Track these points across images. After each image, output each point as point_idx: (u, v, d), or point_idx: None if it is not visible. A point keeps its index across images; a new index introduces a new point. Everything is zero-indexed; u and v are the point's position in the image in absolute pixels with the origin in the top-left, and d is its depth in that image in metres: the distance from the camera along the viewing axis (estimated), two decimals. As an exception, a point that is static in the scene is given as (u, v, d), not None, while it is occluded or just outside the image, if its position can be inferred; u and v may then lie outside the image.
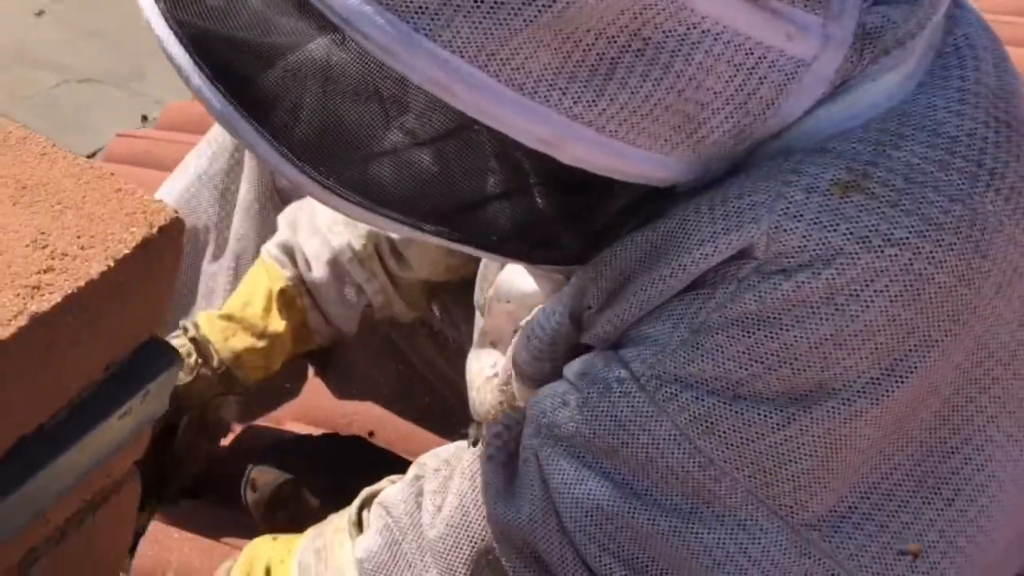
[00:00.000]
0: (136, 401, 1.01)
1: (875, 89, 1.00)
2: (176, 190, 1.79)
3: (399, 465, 1.60)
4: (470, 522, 1.17)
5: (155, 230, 0.97)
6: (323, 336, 1.67)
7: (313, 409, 1.85)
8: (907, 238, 0.95)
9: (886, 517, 1.03)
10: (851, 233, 0.95)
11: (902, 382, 0.98)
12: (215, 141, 1.82)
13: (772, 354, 0.98)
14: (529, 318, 1.25)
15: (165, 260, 0.99)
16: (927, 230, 0.96)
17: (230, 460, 1.73)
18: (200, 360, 1.60)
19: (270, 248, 1.63)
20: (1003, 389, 1.04)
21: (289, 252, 1.62)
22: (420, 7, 0.88)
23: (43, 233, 0.94)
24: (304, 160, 0.97)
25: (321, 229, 1.61)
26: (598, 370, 1.07)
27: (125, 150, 2.48)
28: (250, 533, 1.50)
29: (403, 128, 0.98)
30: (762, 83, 0.95)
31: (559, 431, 1.09)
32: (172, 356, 1.04)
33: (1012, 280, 1.01)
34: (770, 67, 0.94)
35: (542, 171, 1.00)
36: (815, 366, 0.98)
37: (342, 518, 1.30)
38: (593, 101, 0.92)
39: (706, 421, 1.01)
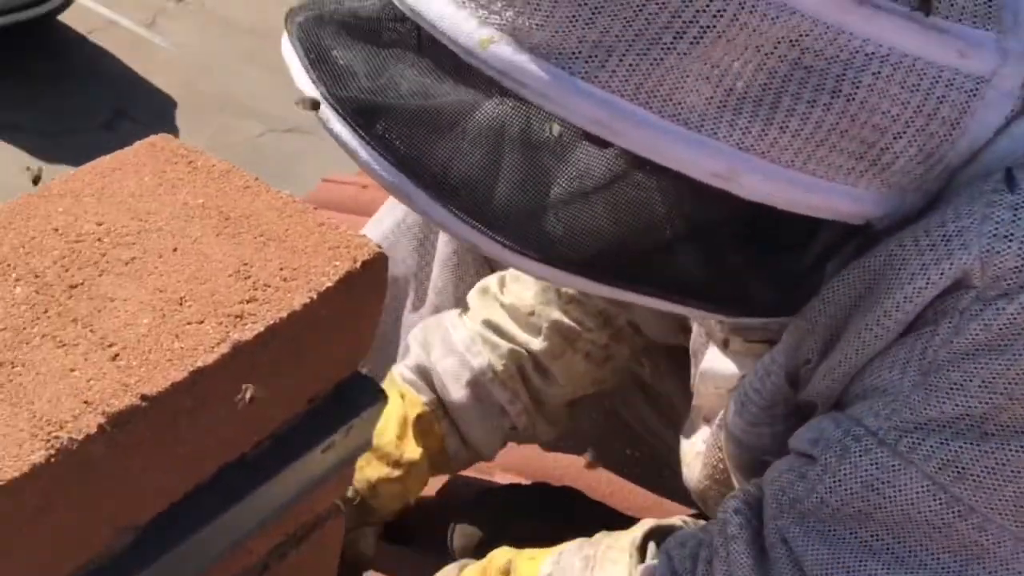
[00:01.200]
0: (339, 436, 1.01)
1: None
2: (374, 238, 1.79)
3: (613, 518, 1.58)
4: None
5: (358, 264, 0.97)
6: (460, 462, 1.62)
7: (522, 460, 1.84)
8: None
9: None
10: None
11: None
12: None
13: (1012, 382, 0.95)
14: (741, 384, 1.23)
15: (368, 295, 1.00)
16: None
17: (438, 510, 1.73)
18: None
19: (404, 372, 1.59)
20: None
21: (425, 375, 1.57)
22: (574, 52, 0.89)
23: (246, 264, 0.95)
24: (479, 220, 0.97)
25: (458, 348, 1.56)
26: (830, 433, 1.04)
27: (331, 196, 2.50)
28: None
29: (578, 181, 0.98)
30: (941, 103, 0.93)
31: (802, 506, 1.06)
32: (376, 392, 1.04)
33: None
34: (947, 86, 0.92)
35: (732, 216, 0.99)
36: None
37: (619, 539, 1.27)
38: (763, 131, 0.91)
39: (956, 466, 0.98)
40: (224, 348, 0.88)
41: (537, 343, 1.57)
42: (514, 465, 1.87)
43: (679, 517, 1.32)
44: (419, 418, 1.55)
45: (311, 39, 1.01)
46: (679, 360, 1.50)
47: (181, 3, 4.02)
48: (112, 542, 0.87)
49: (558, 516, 1.70)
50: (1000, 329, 0.94)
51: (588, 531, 1.32)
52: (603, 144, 0.94)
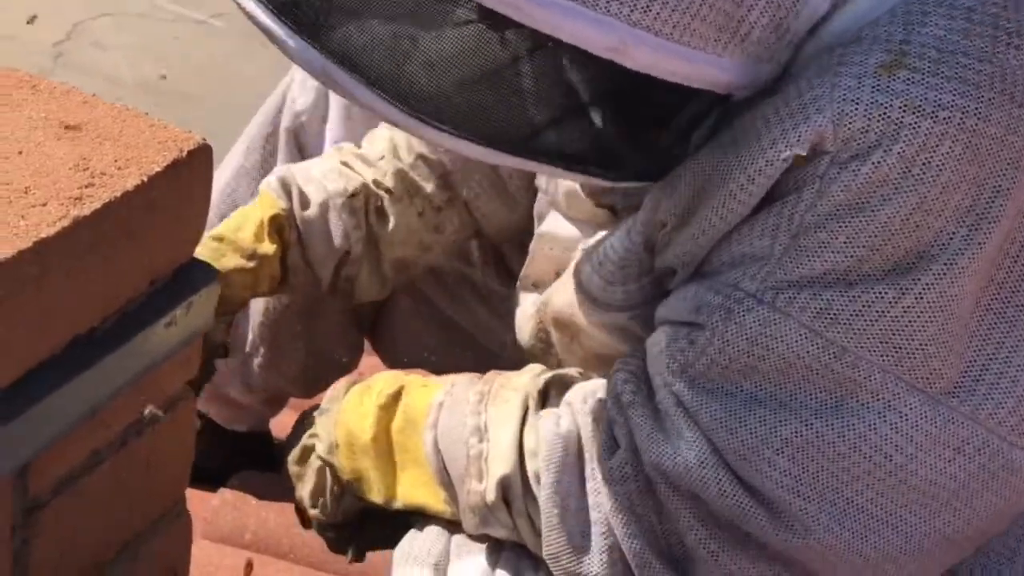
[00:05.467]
0: (180, 311, 1.12)
1: None
2: (218, 187, 1.87)
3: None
4: (639, 461, 1.23)
5: (184, 154, 1.09)
6: (297, 277, 1.68)
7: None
8: (954, 100, 1.07)
9: (1016, 371, 1.13)
10: (906, 106, 1.07)
11: (989, 234, 1.09)
12: (248, 136, 1.93)
13: (872, 235, 1.09)
14: (595, 244, 1.36)
15: (195, 182, 1.11)
16: (968, 90, 1.07)
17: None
18: None
19: (270, 180, 1.68)
20: None
21: (287, 187, 1.67)
22: None
23: (85, 159, 1.06)
24: (397, 99, 1.09)
25: (316, 177, 1.67)
26: (710, 299, 1.17)
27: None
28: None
29: (488, 62, 1.10)
30: None
31: (693, 371, 1.18)
32: (212, 274, 1.16)
33: None
34: None
35: (614, 89, 1.12)
36: (911, 236, 1.09)
37: (512, 380, 1.37)
38: (648, 7, 1.04)
39: (829, 313, 1.11)
40: (65, 223, 0.99)
41: (383, 184, 1.69)
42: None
43: (575, 369, 1.43)
44: (274, 218, 1.64)
45: None
46: (503, 253, 1.66)
47: (61, 62, 4.00)
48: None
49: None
50: (858, 188, 1.08)
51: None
52: (510, 26, 1.05)
